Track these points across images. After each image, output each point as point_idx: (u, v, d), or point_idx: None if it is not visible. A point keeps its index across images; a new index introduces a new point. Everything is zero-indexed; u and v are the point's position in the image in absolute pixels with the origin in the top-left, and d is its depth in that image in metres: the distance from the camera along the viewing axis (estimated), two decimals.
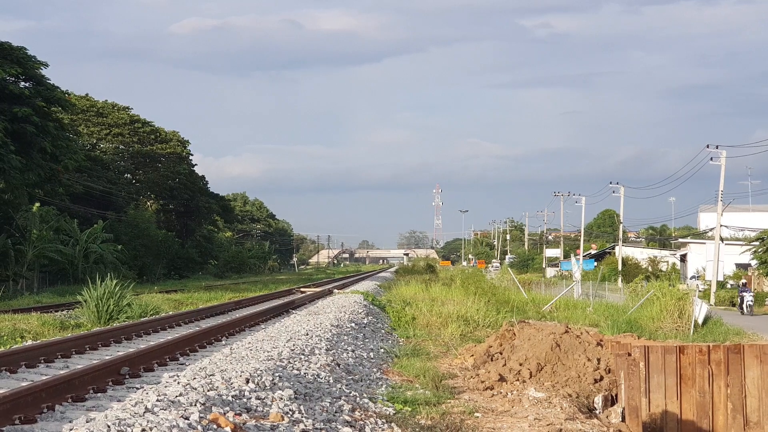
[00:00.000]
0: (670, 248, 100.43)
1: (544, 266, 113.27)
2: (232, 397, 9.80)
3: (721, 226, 58.85)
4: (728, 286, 62.48)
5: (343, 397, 11.97)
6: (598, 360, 16.93)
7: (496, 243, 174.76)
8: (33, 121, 45.34)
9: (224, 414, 8.64)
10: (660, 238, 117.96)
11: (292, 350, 15.46)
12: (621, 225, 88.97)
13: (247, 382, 10.83)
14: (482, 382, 15.76)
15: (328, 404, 11.06)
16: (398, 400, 12.92)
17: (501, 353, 17.95)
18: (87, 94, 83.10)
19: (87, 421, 7.81)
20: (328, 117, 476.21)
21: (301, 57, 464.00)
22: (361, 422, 10.48)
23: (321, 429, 9.42)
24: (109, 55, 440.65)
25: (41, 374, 13.94)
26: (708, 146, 60.09)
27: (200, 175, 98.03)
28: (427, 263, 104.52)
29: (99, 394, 12.20)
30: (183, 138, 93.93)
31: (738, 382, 17.19)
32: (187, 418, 8.06)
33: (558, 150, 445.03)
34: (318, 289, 49.07)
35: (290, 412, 9.76)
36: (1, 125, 42.45)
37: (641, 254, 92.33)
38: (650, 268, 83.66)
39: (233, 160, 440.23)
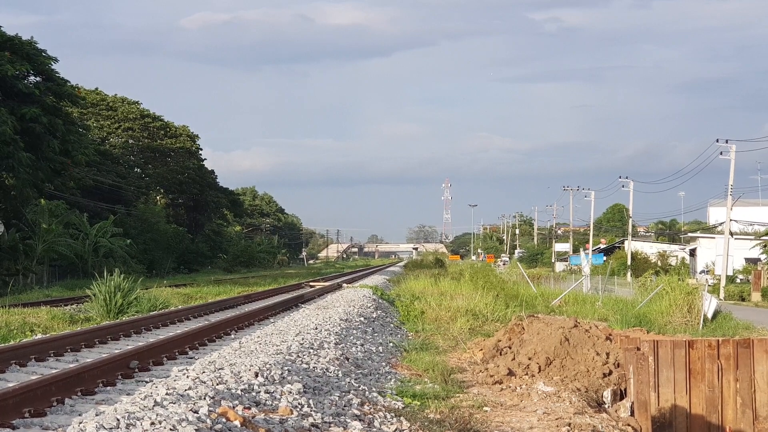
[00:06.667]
0: (679, 243, 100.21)
1: (553, 261, 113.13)
2: (242, 390, 9.83)
3: (730, 220, 58.71)
4: (737, 280, 62.38)
5: (352, 391, 11.99)
6: (607, 354, 16.91)
7: (505, 237, 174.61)
8: (41, 121, 45.40)
9: (233, 408, 8.67)
10: (669, 232, 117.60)
11: (301, 344, 15.49)
12: (630, 219, 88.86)
13: (257, 375, 10.85)
14: (491, 376, 15.76)
15: (337, 398, 11.08)
16: (407, 394, 12.92)
17: (510, 347, 17.93)
18: (97, 88, 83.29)
19: (97, 415, 7.83)
20: (338, 111, 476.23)
21: (311, 51, 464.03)
22: (370, 416, 10.49)
23: (330, 423, 9.43)
24: (119, 48, 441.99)
25: (51, 368, 13.98)
26: (718, 140, 60.10)
27: (210, 169, 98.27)
28: (436, 257, 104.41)
29: (108, 388, 12.24)
30: (192, 132, 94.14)
31: (747, 376, 17.13)
32: (196, 412, 8.08)
33: (568, 144, 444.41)
34: (327, 284, 49.13)
35: (299, 406, 9.78)
36: (11, 123, 42.48)
37: (650, 249, 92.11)
38: (659, 263, 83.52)
39: (243, 154, 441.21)
